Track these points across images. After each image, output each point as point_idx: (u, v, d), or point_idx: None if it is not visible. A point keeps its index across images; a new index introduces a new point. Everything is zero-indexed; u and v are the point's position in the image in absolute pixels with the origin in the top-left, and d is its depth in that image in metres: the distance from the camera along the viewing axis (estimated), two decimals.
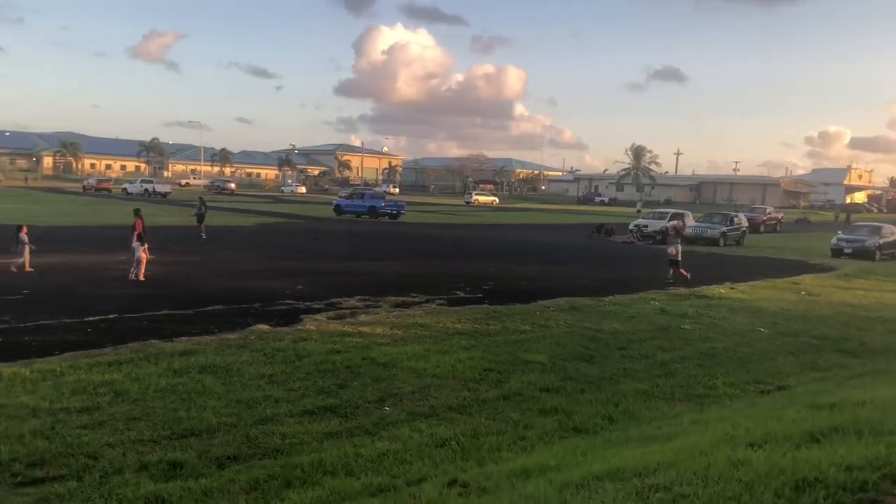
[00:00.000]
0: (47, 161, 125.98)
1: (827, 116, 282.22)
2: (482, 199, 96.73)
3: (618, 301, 16.82)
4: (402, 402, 8.76)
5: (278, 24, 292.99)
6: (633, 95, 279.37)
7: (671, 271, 21.95)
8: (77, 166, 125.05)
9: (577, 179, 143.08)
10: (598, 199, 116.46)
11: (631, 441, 7.10)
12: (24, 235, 17.28)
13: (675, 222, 38.75)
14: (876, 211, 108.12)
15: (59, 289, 15.54)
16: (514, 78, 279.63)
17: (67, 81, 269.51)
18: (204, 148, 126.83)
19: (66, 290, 15.44)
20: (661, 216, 40.80)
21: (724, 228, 38.11)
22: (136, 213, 17.94)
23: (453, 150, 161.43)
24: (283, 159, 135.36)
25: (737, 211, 57.76)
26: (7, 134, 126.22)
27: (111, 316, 12.66)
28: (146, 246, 17.23)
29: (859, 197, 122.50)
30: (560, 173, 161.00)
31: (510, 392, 9.50)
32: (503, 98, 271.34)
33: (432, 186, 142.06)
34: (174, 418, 7.60)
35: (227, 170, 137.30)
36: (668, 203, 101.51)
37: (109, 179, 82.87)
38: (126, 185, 76.24)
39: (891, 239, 34.02)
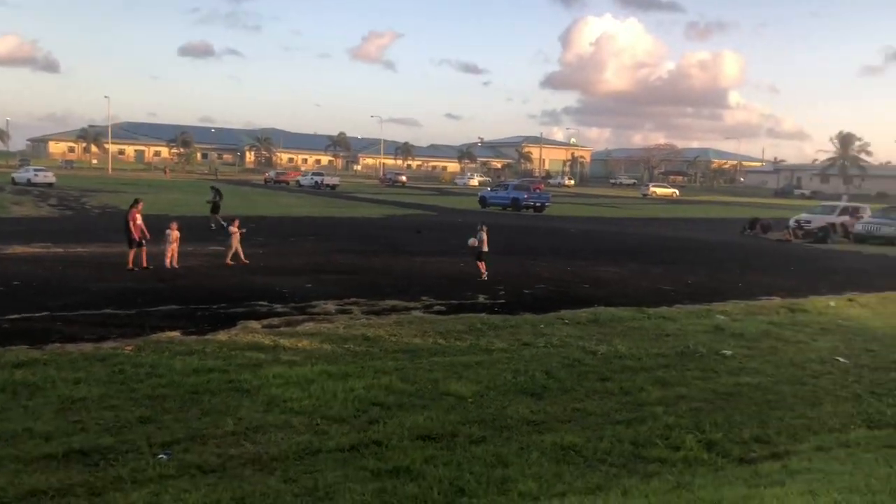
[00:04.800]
0: (248, 156, 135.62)
1: None
2: (660, 191, 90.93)
3: (666, 314, 13.73)
4: (201, 447, 6.88)
5: (489, 20, 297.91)
6: (865, 79, 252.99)
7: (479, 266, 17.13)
8: (276, 160, 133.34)
9: (777, 170, 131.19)
10: (797, 191, 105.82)
11: None
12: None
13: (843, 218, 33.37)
14: None
15: None
16: (730, 65, 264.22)
17: (294, 82, 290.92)
18: (389, 142, 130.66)
19: None
20: (830, 210, 35.14)
21: None
22: (135, 203, 17.09)
23: (659, 141, 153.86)
24: (464, 152, 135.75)
25: None
26: (213, 130, 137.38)
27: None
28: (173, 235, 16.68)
29: None
30: (760, 164, 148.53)
31: (370, 440, 7.30)
32: (717, 86, 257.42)
33: (618, 179, 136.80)
34: None
35: (414, 163, 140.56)
36: (882, 197, 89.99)
37: (286, 172, 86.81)
38: (299, 178, 79.40)
39: None
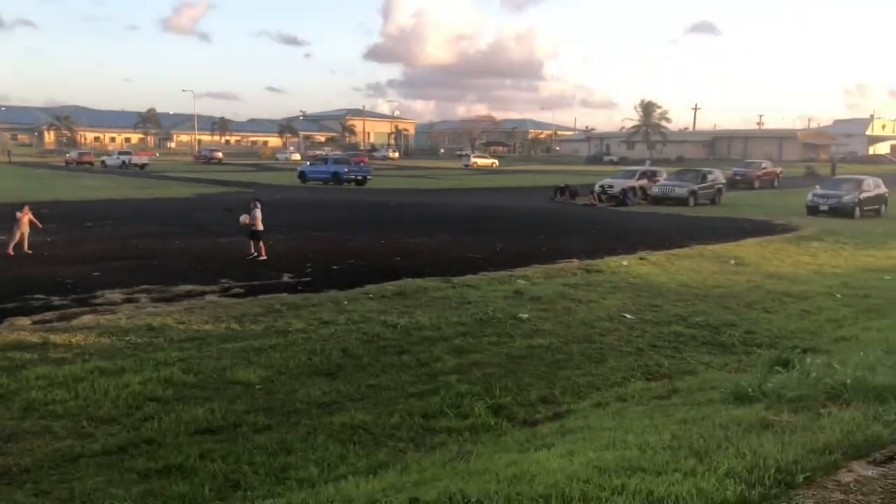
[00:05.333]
0: (48, 136, 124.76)
1: (867, 66, 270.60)
2: (481, 161, 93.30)
3: (471, 282, 13.94)
4: None
5: None
6: (667, 51, 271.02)
7: (251, 246, 16.52)
8: (81, 140, 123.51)
9: (589, 139, 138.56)
10: (606, 158, 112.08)
11: None
12: None
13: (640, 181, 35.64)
14: None
15: None
16: (545, 37, 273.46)
17: (100, 56, 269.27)
18: (205, 117, 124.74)
19: None
20: (630, 175, 37.43)
21: (694, 187, 34.58)
22: None
23: (482, 113, 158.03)
24: (285, 126, 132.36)
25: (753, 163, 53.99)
26: (2, 108, 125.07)
27: None
28: None
29: (882, 148, 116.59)
30: (573, 133, 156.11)
31: (141, 439, 6.77)
32: (533, 58, 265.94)
33: (442, 150, 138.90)
34: None
35: (232, 138, 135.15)
36: (681, 160, 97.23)
37: (90, 152, 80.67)
38: (104, 158, 74.09)
39: (874, 193, 30.48)
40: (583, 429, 6.42)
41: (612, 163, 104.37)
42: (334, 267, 15.69)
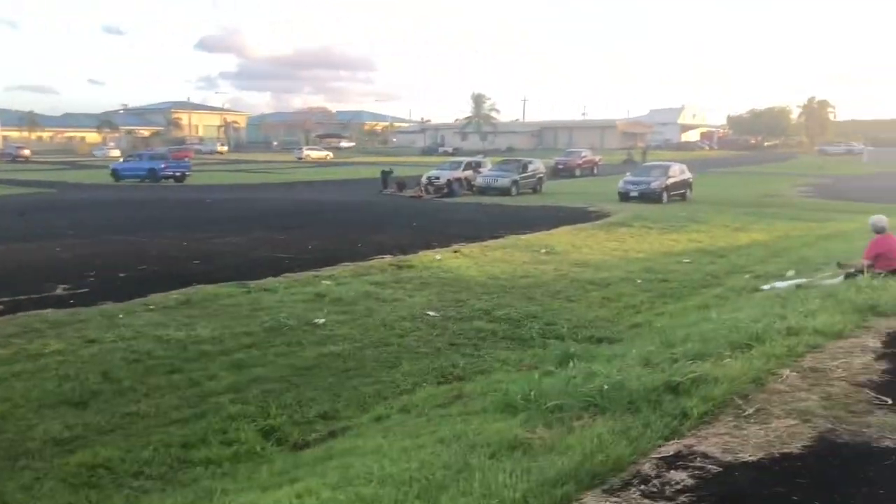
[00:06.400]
0: None
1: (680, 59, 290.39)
2: (314, 154, 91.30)
3: (270, 285, 13.06)
4: None
5: None
6: (501, 44, 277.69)
7: None
8: None
9: (424, 130, 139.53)
10: (441, 149, 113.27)
11: None
12: None
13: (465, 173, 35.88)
14: (707, 148, 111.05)
15: None
16: (380, 29, 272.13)
17: None
18: (14, 112, 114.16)
19: None
20: (456, 166, 37.61)
21: (516, 176, 35.21)
22: None
23: (318, 105, 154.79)
24: (103, 121, 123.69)
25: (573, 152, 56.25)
26: None
27: None
28: None
29: (693, 135, 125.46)
30: (409, 124, 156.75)
31: None
32: (370, 50, 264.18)
33: (275, 143, 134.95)
34: None
35: (45, 134, 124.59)
36: (511, 150, 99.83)
37: None
38: None
39: (679, 179, 32.23)
40: (345, 453, 5.84)
41: (447, 154, 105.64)
42: (121, 275, 14.27)
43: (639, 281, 14.86)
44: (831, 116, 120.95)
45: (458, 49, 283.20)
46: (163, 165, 45.05)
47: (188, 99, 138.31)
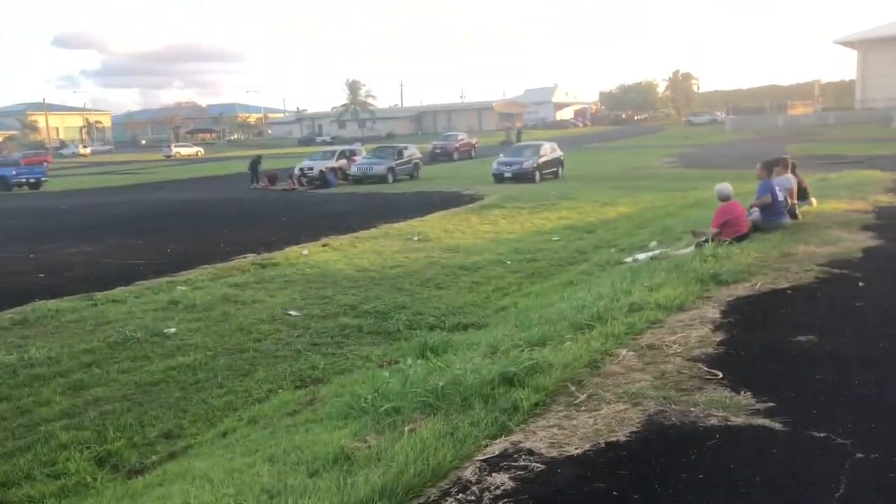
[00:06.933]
0: None
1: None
2: (184, 151, 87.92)
3: (119, 296, 12.19)
4: None
5: None
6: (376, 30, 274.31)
7: None
8: None
9: (300, 120, 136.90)
10: (319, 138, 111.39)
11: None
12: None
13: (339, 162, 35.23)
14: (581, 125, 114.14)
15: None
16: (250, 17, 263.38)
17: None
18: None
19: None
20: (329, 155, 36.88)
21: (391, 163, 34.86)
22: None
23: (190, 99, 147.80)
24: None
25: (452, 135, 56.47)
26: None
27: None
28: None
29: (567, 113, 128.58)
30: (284, 115, 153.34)
31: None
32: (238, 40, 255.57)
33: (143, 141, 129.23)
34: None
35: None
36: (391, 136, 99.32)
37: None
38: None
39: (551, 157, 32.76)
40: (177, 477, 5.37)
41: (325, 143, 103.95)
42: None
43: (508, 262, 14.85)
44: (695, 88, 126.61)
45: (332, 37, 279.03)
46: (14, 172, 42.06)
47: (44, 100, 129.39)
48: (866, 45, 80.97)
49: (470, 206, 23.70)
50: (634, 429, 3.78)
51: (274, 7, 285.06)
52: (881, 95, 73.39)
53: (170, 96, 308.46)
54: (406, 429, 4.28)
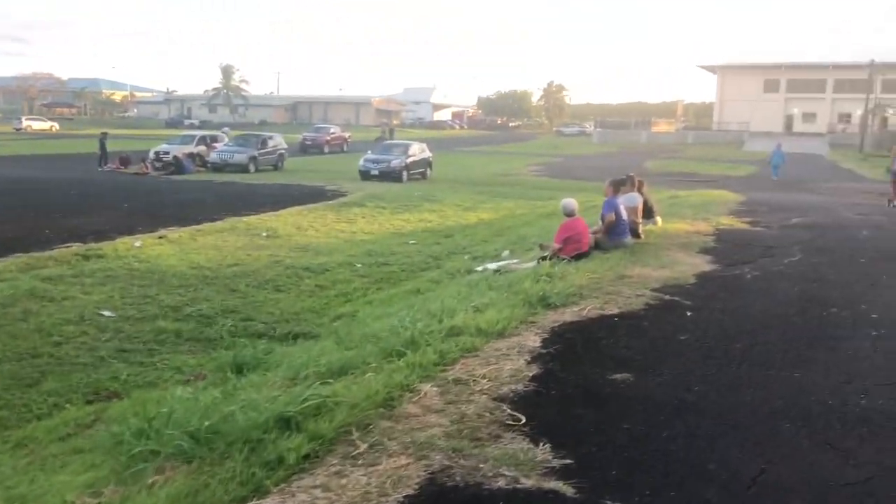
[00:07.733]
0: None
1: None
2: (37, 125, 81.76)
3: None
4: None
5: None
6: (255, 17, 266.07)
7: None
8: None
9: (169, 101, 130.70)
10: (187, 122, 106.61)
11: None
12: None
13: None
14: (458, 127, 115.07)
15: None
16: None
17: None
18: None
19: None
20: (188, 140, 34.96)
21: (254, 152, 33.38)
22: None
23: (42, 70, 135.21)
24: None
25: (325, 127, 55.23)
26: None
27: None
28: None
29: (445, 115, 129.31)
30: (152, 94, 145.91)
31: None
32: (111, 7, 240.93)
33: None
34: None
35: None
36: (263, 124, 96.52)
37: None
38: None
39: (419, 158, 32.40)
40: None
41: (193, 126, 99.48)
42: None
43: (359, 265, 14.22)
44: (567, 100, 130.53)
45: (207, 18, 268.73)
46: None
47: None
48: (725, 71, 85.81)
49: (330, 202, 22.91)
50: (411, 491, 3.25)
51: None
52: (735, 119, 78.14)
53: (26, 66, 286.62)
54: (152, 480, 3.57)
